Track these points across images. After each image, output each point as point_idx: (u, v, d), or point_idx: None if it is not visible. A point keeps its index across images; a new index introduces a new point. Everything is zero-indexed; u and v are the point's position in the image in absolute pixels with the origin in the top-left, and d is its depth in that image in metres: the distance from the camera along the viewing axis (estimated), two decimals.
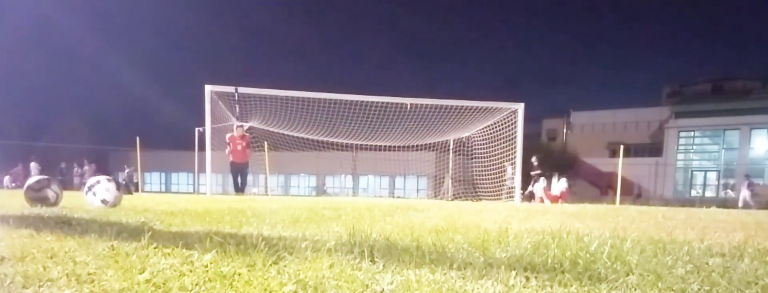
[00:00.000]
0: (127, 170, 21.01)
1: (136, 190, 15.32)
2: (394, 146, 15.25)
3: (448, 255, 1.54)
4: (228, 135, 10.43)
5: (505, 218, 3.39)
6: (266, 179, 15.26)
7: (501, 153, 12.67)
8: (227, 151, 10.27)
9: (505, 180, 12.98)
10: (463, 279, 1.22)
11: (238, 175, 10.32)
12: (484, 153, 13.34)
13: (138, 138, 12.48)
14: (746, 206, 16.69)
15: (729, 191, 33.05)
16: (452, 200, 12.18)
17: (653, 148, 36.84)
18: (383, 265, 1.35)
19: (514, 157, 12.11)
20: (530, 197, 13.40)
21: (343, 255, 1.48)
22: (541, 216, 3.76)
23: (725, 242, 2.02)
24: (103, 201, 3.75)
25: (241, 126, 10.59)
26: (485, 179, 13.43)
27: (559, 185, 13.22)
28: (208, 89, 10.96)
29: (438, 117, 12.73)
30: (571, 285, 1.16)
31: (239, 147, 10.26)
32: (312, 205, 4.88)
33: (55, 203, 3.77)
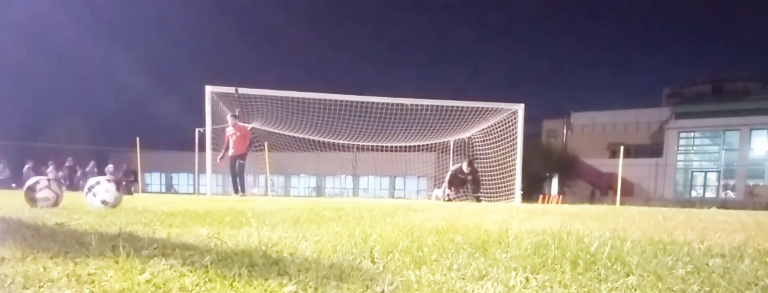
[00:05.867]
0: (114, 170, 20.27)
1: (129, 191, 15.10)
2: (395, 147, 15.25)
3: (449, 255, 1.53)
4: (227, 131, 10.18)
5: (505, 219, 3.39)
6: (267, 179, 15.26)
7: (502, 154, 12.67)
8: (227, 153, 10.01)
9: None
10: (463, 279, 1.22)
11: (236, 171, 9.93)
12: (484, 154, 13.34)
13: (138, 139, 12.48)
14: None
15: (729, 191, 33.05)
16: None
17: (653, 149, 36.83)
18: (383, 266, 1.35)
19: (515, 157, 12.11)
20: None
21: (343, 255, 1.48)
22: (541, 217, 3.76)
23: (725, 243, 2.02)
24: (103, 202, 3.75)
25: (235, 116, 10.12)
26: (486, 180, 13.41)
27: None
28: (209, 89, 10.95)
29: (438, 118, 12.73)
30: (571, 286, 1.16)
31: (234, 137, 9.82)
32: (312, 206, 4.87)
33: (56, 204, 3.78)
